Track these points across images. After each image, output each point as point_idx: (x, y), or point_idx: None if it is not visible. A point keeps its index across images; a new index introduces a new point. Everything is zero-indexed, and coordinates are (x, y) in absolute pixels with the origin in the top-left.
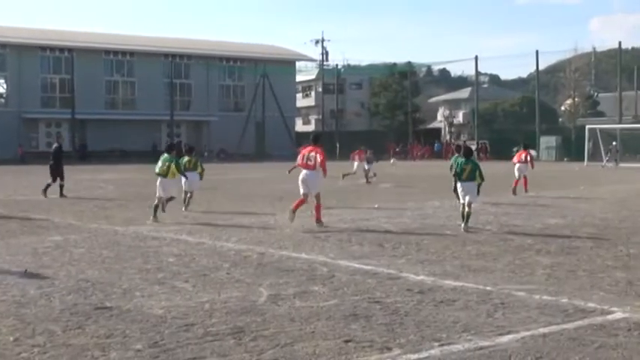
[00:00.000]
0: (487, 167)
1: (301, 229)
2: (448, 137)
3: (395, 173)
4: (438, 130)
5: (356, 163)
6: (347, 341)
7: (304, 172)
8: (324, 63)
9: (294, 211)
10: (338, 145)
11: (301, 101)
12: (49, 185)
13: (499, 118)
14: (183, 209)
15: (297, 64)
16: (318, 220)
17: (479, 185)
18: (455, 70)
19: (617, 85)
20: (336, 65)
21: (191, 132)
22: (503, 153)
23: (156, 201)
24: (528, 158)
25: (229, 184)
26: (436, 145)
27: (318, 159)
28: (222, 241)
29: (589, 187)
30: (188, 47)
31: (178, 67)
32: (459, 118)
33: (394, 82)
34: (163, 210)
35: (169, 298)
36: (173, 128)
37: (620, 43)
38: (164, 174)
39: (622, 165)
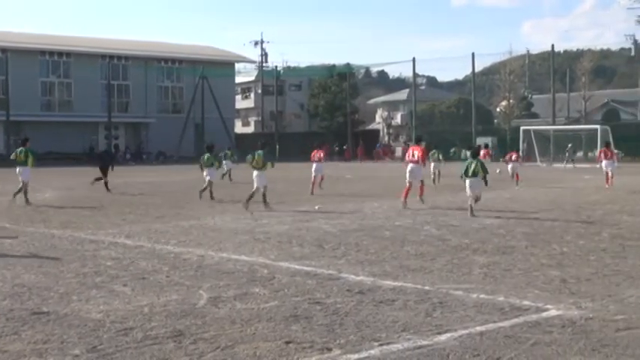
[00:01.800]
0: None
1: (241, 231)
2: (387, 138)
3: (331, 175)
4: (376, 132)
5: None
6: (287, 342)
7: (411, 165)
8: (264, 64)
9: (405, 199)
10: (277, 147)
11: (241, 103)
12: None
13: (436, 120)
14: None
15: (237, 65)
16: (421, 196)
17: (484, 177)
18: (393, 72)
19: (550, 87)
20: (276, 67)
21: (129, 134)
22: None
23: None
24: (514, 157)
25: (168, 186)
26: (378, 146)
27: (419, 155)
28: (162, 244)
29: (524, 187)
30: (126, 48)
31: (116, 68)
32: (397, 119)
33: (333, 83)
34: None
35: (108, 302)
36: (111, 130)
37: (552, 46)
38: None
39: (556, 165)
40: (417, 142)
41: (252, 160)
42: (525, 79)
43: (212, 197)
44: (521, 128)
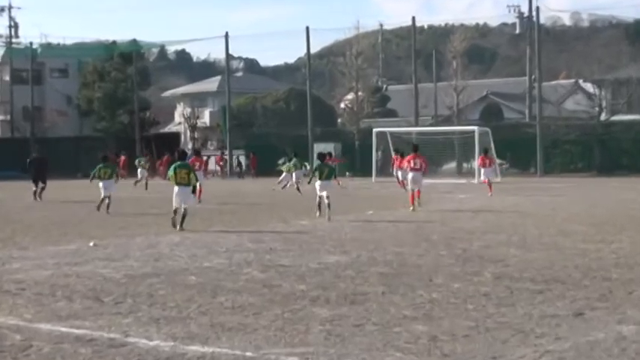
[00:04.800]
0: (248, 185)
1: None
2: (191, 145)
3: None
4: (176, 136)
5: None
6: None
7: (412, 173)
8: (13, 40)
9: (413, 203)
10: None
11: None
12: None
13: (259, 119)
14: None
15: None
16: (419, 199)
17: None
18: (198, 53)
19: (411, 74)
20: (30, 43)
21: None
22: (267, 166)
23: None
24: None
25: None
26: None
27: (421, 163)
28: None
29: (378, 211)
30: None
31: None
32: (205, 118)
33: (114, 68)
34: None
35: None
36: None
37: (413, 19)
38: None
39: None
40: (415, 150)
41: None
42: (379, 63)
43: None
44: (374, 130)
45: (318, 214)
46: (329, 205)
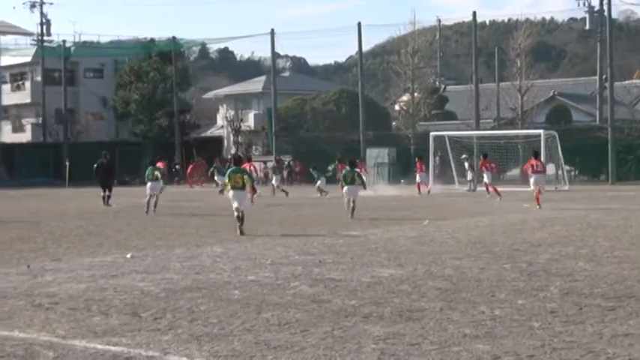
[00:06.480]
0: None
1: (12, 293)
2: (234, 150)
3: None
4: (218, 140)
5: None
6: None
7: (535, 176)
8: (45, 38)
9: (538, 202)
10: (68, 165)
11: (10, 96)
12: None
13: (307, 123)
14: None
15: (3, 38)
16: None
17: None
18: (242, 52)
19: (471, 74)
20: (63, 42)
21: None
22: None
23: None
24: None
25: None
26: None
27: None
28: None
29: (435, 221)
30: None
31: None
32: (250, 121)
33: (152, 67)
34: None
35: None
36: None
37: (474, 14)
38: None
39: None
40: (536, 156)
41: None
42: (436, 62)
43: None
44: (432, 134)
45: (349, 216)
46: (353, 208)
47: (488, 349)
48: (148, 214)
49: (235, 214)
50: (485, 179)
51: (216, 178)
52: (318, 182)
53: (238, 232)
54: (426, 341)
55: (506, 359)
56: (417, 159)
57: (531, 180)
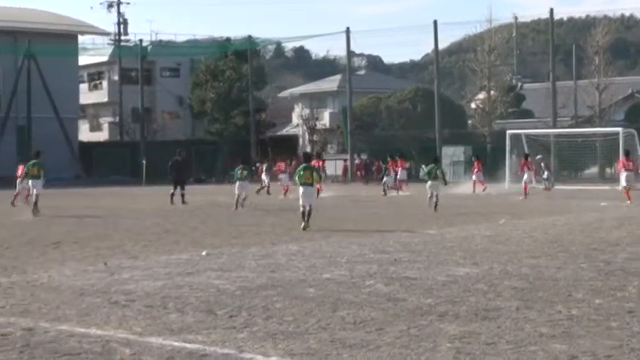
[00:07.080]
0: (372, 191)
1: (90, 291)
2: (309, 148)
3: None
4: (294, 138)
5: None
6: None
7: (627, 173)
8: (122, 38)
9: (629, 198)
10: (144, 164)
11: (87, 95)
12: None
13: (382, 121)
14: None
15: (81, 38)
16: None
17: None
18: (317, 50)
19: (548, 72)
20: (140, 41)
21: None
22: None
23: (301, 208)
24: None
25: None
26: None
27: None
28: None
29: (511, 219)
30: None
31: None
32: (325, 120)
33: (228, 66)
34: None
35: None
36: None
37: (551, 11)
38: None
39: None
40: (627, 155)
41: None
42: (513, 59)
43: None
44: (508, 132)
45: (433, 210)
46: (436, 203)
47: (565, 348)
48: (237, 210)
49: (301, 209)
50: (525, 179)
51: (263, 176)
52: (385, 179)
53: (302, 226)
54: (501, 340)
55: (583, 359)
56: (473, 158)
57: (622, 177)
